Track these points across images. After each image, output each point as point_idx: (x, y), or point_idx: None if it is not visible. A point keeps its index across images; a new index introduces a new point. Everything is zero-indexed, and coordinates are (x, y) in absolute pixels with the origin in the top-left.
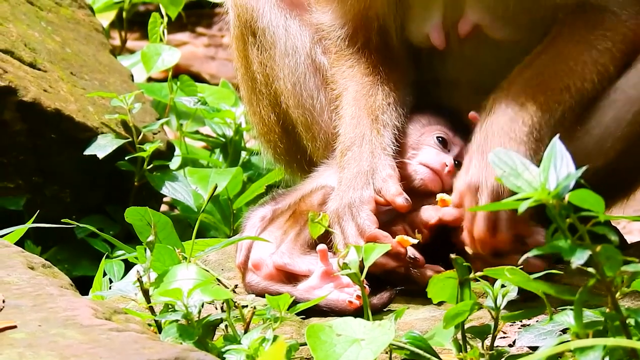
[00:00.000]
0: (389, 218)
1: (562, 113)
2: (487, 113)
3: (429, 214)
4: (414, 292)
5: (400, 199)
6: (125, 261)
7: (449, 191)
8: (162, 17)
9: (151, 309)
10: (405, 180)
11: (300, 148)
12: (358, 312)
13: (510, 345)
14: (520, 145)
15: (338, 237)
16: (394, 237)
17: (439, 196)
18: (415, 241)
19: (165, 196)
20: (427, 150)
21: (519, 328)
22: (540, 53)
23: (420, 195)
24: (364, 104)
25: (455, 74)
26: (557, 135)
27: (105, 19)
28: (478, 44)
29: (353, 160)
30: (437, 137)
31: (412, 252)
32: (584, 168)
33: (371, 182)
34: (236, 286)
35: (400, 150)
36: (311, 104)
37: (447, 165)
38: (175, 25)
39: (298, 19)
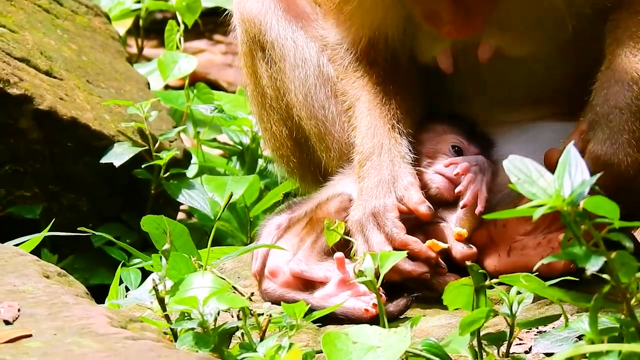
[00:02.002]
0: (408, 227)
1: None
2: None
3: (457, 250)
4: (430, 299)
5: (424, 207)
6: (142, 269)
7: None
8: (178, 24)
9: (167, 317)
10: (422, 189)
11: (314, 160)
12: (374, 320)
13: (526, 352)
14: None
15: (360, 246)
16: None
17: (455, 230)
18: (446, 245)
19: (182, 204)
20: (442, 159)
21: (535, 335)
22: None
23: (436, 204)
24: (379, 113)
25: (467, 90)
26: (572, 142)
27: (122, 26)
28: (494, 64)
29: (373, 170)
30: (453, 146)
31: (435, 261)
32: (598, 175)
33: (393, 190)
34: (252, 294)
35: (416, 159)
36: (323, 115)
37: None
38: (192, 33)
39: (304, 31)
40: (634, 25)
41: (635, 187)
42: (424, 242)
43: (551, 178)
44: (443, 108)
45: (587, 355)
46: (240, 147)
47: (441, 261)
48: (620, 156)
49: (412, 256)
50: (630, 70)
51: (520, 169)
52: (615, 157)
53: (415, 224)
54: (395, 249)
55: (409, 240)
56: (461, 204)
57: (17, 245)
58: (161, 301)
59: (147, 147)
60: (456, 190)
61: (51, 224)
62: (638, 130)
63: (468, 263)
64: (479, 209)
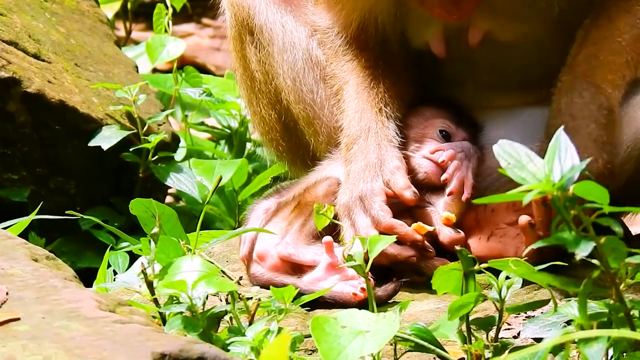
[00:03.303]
0: (394, 212)
1: (625, 87)
2: (561, 94)
3: (445, 234)
4: (419, 284)
5: (409, 193)
6: (130, 253)
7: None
8: (167, 8)
9: (155, 301)
10: (409, 173)
11: (302, 144)
12: (363, 304)
13: (514, 337)
14: (602, 129)
15: (347, 230)
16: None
17: (443, 215)
18: (432, 228)
19: (170, 188)
20: (430, 144)
21: (523, 320)
22: (589, 32)
23: (423, 188)
24: (367, 96)
25: (459, 75)
26: (562, 127)
27: (110, 10)
28: (485, 48)
29: (360, 153)
30: (440, 131)
31: (423, 244)
32: (588, 160)
33: (380, 174)
34: (241, 278)
35: (403, 143)
36: (311, 99)
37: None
38: (180, 17)
39: (293, 15)
40: (597, 28)
41: (614, 181)
42: (410, 226)
43: (541, 163)
44: (434, 93)
45: (576, 340)
46: (229, 131)
47: (428, 245)
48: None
49: (399, 240)
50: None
51: (510, 153)
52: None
53: (403, 208)
54: (381, 233)
55: (395, 223)
56: (447, 191)
57: (5, 228)
58: (150, 285)
59: (135, 131)
60: (442, 178)
61: (39, 207)
62: (597, 133)
63: (457, 247)
64: (465, 195)
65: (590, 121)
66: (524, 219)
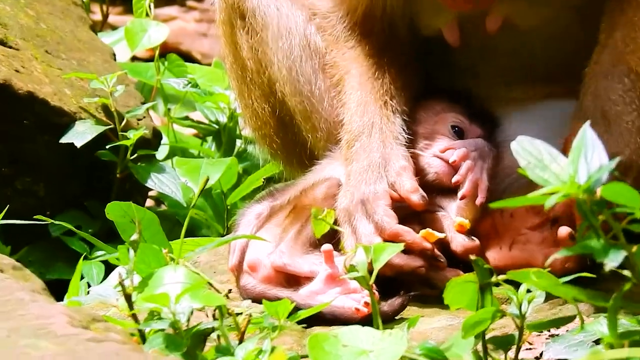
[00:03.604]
0: (400, 217)
1: None
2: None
3: (457, 242)
4: (429, 298)
5: (416, 196)
6: (106, 263)
7: None
8: None
9: (134, 317)
10: (418, 174)
11: (299, 141)
12: (366, 321)
13: (537, 358)
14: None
15: (348, 237)
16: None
17: (456, 221)
18: (443, 235)
19: (150, 190)
20: (441, 141)
21: (546, 338)
22: (625, 11)
23: (434, 190)
24: (370, 88)
25: (474, 64)
26: (588, 122)
27: None
28: (503, 35)
29: (362, 151)
30: (452, 126)
31: (433, 253)
32: (617, 159)
33: (384, 175)
34: (230, 291)
35: (411, 140)
36: (309, 90)
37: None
38: None
39: None
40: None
41: None
42: (418, 233)
43: (565, 162)
44: (445, 84)
45: None
46: (217, 126)
47: (439, 254)
48: (628, 150)
49: (406, 249)
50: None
51: (530, 151)
52: (622, 151)
53: (410, 213)
54: (385, 240)
55: (401, 230)
56: (460, 194)
57: None
58: (128, 298)
59: (112, 126)
60: (453, 180)
61: (4, 211)
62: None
63: (472, 257)
64: (479, 199)
65: (632, 109)
66: (564, 230)
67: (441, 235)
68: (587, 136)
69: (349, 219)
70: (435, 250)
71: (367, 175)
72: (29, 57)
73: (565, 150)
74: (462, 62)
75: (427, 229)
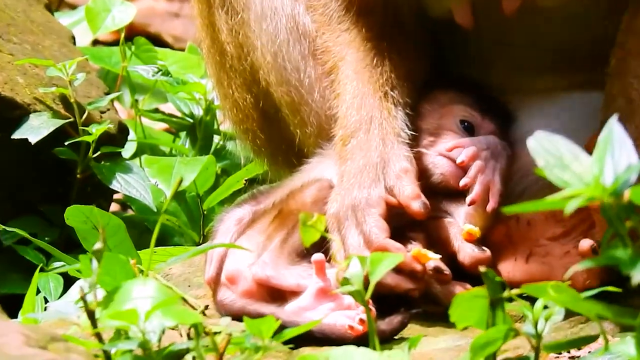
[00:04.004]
0: (400, 224)
1: None
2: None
3: (466, 253)
4: (433, 315)
5: (417, 204)
6: (65, 275)
7: None
8: None
9: (98, 336)
10: (422, 175)
11: (285, 137)
12: (362, 341)
13: None
14: None
15: (337, 247)
16: (408, 250)
17: (465, 228)
18: (437, 257)
19: (116, 192)
20: (448, 137)
21: None
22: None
23: (440, 193)
24: (368, 76)
25: (487, 51)
26: (615, 116)
27: None
28: (522, 17)
29: (359, 150)
30: (462, 121)
31: (436, 264)
32: None
33: (382, 177)
34: (207, 307)
35: (414, 137)
36: (298, 79)
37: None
38: None
39: None
40: None
41: None
42: (424, 244)
43: (588, 161)
44: (453, 73)
45: None
46: (191, 120)
47: (441, 267)
48: None
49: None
50: None
51: (549, 149)
52: None
53: (413, 220)
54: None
55: (390, 246)
56: (469, 199)
57: None
58: (91, 315)
59: (71, 119)
60: (461, 183)
61: None
62: None
63: (482, 269)
64: (491, 205)
65: None
66: (586, 243)
67: (435, 257)
68: (614, 131)
69: (339, 227)
70: (435, 265)
71: (362, 178)
72: None
73: (589, 150)
74: (474, 48)
75: (419, 248)
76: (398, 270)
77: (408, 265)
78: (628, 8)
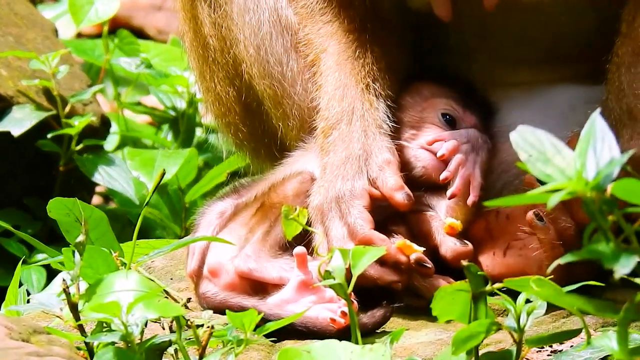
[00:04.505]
0: (382, 217)
1: None
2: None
3: (447, 246)
4: (415, 309)
5: (400, 195)
6: (48, 267)
7: None
8: None
9: (81, 328)
10: (404, 168)
11: (268, 130)
12: (343, 334)
13: None
14: None
15: (320, 239)
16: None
17: (448, 221)
18: (422, 249)
19: (98, 185)
20: (429, 130)
21: (548, 355)
22: None
23: (422, 187)
24: (350, 68)
25: (468, 43)
26: (598, 110)
27: None
28: (503, 9)
29: (341, 142)
30: (443, 114)
31: (419, 257)
32: (631, 151)
33: (365, 169)
34: (189, 300)
35: (396, 129)
36: (280, 72)
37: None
38: None
39: None
40: None
41: None
42: (406, 238)
43: (571, 155)
44: (434, 66)
45: None
46: (174, 113)
47: (424, 261)
48: None
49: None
50: None
51: (531, 143)
52: None
53: (395, 213)
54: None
55: (375, 237)
56: (449, 193)
57: None
58: (73, 308)
59: (54, 112)
60: (442, 177)
61: None
62: None
63: (464, 263)
64: (471, 198)
65: None
66: (530, 214)
67: (420, 249)
68: (596, 126)
69: (322, 219)
70: (418, 259)
71: (345, 169)
72: None
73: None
74: (455, 41)
75: (404, 240)
76: (382, 262)
77: (392, 256)
78: (624, 16)
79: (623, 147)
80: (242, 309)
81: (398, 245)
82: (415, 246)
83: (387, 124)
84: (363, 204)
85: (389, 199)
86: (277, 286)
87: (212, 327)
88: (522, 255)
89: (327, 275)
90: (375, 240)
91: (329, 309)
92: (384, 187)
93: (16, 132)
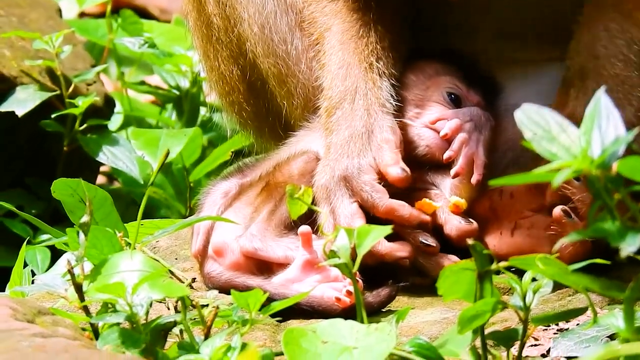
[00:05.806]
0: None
1: None
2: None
3: (452, 225)
4: (421, 287)
5: (394, 170)
6: (52, 248)
7: None
8: None
9: (85, 309)
10: (407, 146)
11: (272, 109)
12: (349, 313)
13: (543, 356)
14: (632, 68)
15: (325, 218)
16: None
17: (453, 200)
18: (440, 204)
19: (102, 165)
20: (434, 109)
21: (554, 333)
22: None
23: (426, 165)
24: (354, 47)
25: (471, 19)
26: (603, 88)
27: None
28: None
29: (344, 120)
30: (448, 93)
31: (423, 237)
32: (637, 129)
33: (369, 147)
34: (194, 280)
35: (399, 108)
36: (284, 51)
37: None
38: None
39: None
40: None
41: None
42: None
43: (576, 134)
44: (436, 43)
45: (621, 359)
46: (178, 92)
47: (428, 240)
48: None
49: (395, 231)
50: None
51: (536, 121)
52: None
53: (399, 192)
54: (376, 217)
55: (396, 205)
56: (453, 171)
57: None
58: (78, 288)
59: (58, 92)
60: (445, 156)
61: None
62: (625, 74)
63: (469, 241)
64: (475, 177)
65: (616, 60)
66: (557, 210)
67: (439, 205)
68: (601, 103)
69: (328, 198)
70: (423, 238)
71: (350, 148)
72: None
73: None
74: (459, 17)
75: (424, 199)
76: (391, 238)
77: (416, 217)
78: None
79: (567, 106)
80: (247, 288)
81: (418, 205)
82: (434, 203)
83: (391, 102)
84: (373, 178)
85: (385, 175)
86: (282, 265)
87: (217, 307)
88: (531, 234)
89: (332, 254)
90: (397, 208)
91: (334, 288)
92: (380, 164)
93: (20, 112)
